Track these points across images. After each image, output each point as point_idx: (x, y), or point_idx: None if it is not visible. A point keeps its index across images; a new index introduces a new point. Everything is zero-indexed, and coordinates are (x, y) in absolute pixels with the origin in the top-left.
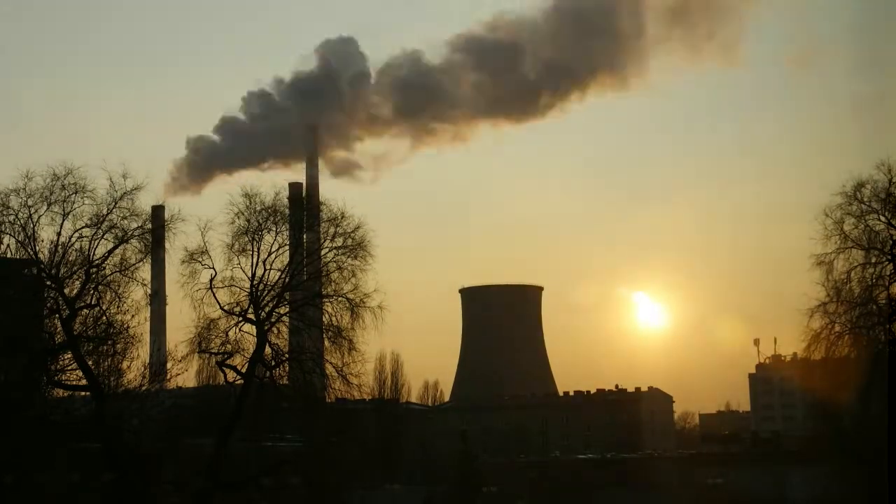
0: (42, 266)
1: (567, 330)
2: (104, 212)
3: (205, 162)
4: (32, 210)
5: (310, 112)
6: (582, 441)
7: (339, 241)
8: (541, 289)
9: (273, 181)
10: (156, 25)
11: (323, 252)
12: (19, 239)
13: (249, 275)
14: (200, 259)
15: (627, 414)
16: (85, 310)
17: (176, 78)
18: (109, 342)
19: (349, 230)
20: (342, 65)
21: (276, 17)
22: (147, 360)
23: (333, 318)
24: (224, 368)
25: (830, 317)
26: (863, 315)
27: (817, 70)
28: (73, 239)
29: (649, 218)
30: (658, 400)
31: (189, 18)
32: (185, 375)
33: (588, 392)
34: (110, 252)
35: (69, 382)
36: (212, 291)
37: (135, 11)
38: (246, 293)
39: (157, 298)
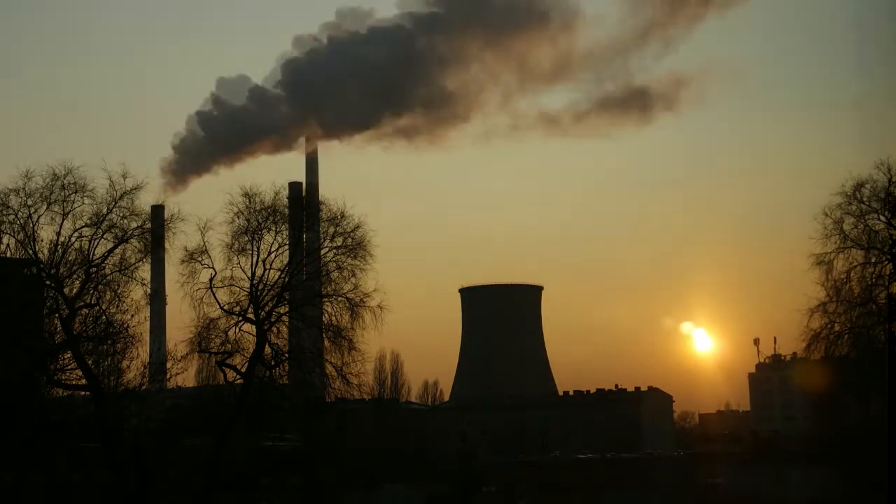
0: (42, 266)
1: (567, 329)
2: (104, 211)
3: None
4: (32, 210)
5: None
6: (582, 441)
7: (338, 241)
8: (541, 289)
9: (273, 180)
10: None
11: (323, 252)
12: (19, 239)
13: (249, 274)
14: (200, 259)
15: (627, 414)
16: (85, 309)
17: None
18: (109, 342)
19: (349, 230)
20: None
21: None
22: (147, 360)
23: (333, 318)
24: (224, 368)
25: (830, 317)
26: (863, 315)
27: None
28: (73, 239)
29: (650, 217)
30: (658, 400)
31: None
32: (184, 375)
33: (588, 392)
34: (110, 252)
35: (69, 382)
36: (211, 291)
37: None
38: (246, 293)
39: (157, 298)
